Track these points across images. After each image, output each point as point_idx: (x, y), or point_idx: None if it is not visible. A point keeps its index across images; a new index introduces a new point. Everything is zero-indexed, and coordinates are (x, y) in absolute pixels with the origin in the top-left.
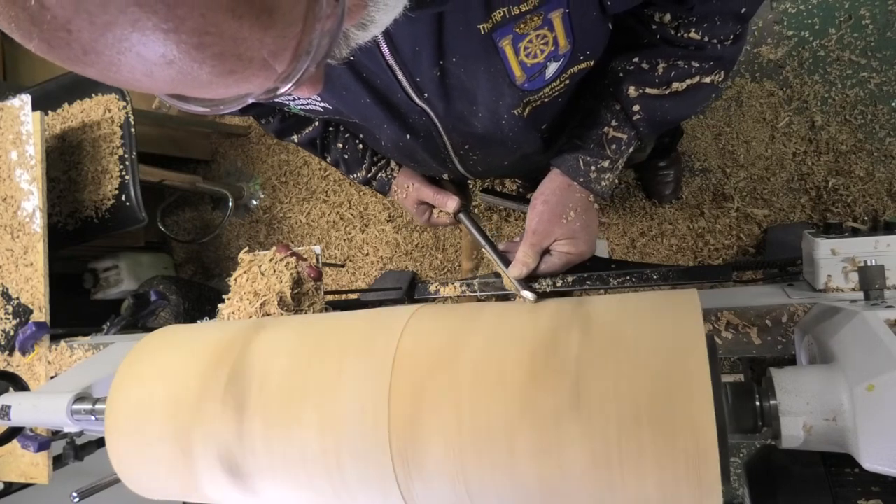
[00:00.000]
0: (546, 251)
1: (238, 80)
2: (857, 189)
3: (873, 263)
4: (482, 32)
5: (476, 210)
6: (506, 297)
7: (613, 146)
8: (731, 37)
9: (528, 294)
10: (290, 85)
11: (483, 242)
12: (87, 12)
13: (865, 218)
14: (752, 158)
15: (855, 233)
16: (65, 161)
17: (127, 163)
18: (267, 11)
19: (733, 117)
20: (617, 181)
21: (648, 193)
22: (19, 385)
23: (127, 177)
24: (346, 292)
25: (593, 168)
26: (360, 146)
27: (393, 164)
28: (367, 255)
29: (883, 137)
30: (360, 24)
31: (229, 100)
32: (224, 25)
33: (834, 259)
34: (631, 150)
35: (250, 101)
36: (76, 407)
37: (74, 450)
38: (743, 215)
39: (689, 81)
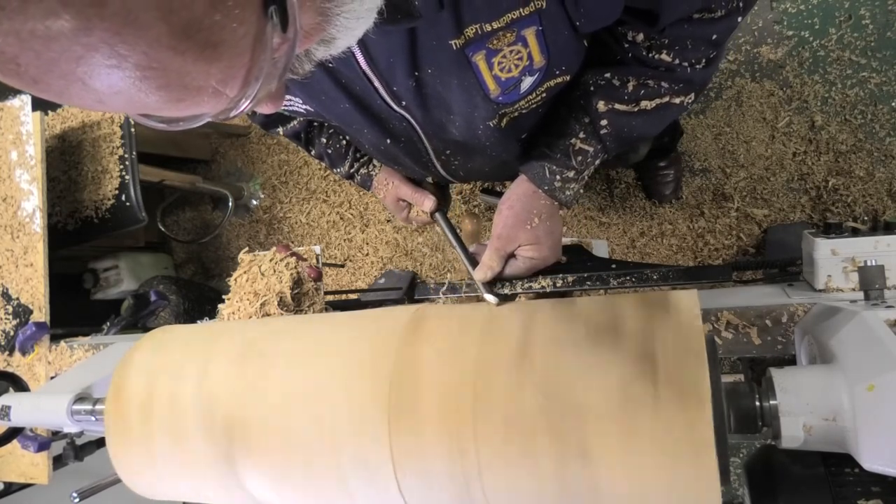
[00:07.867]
0: (511, 255)
1: (188, 105)
2: (857, 189)
3: (873, 263)
4: (454, 48)
5: (476, 210)
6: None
7: (580, 157)
8: (704, 60)
9: (490, 297)
10: (245, 106)
11: (454, 244)
12: (33, 50)
13: (865, 218)
14: (752, 158)
15: (855, 233)
16: (65, 161)
17: (127, 163)
18: (211, 46)
19: (733, 117)
20: (582, 191)
21: (648, 193)
22: (19, 385)
23: (127, 177)
24: (346, 292)
25: (558, 177)
26: (344, 141)
27: (375, 161)
28: (367, 255)
29: (883, 137)
30: (321, 42)
31: (186, 118)
32: (167, 61)
33: (834, 259)
34: (598, 162)
35: (207, 119)
36: (76, 407)
37: (74, 450)
38: (743, 215)
39: (657, 101)
